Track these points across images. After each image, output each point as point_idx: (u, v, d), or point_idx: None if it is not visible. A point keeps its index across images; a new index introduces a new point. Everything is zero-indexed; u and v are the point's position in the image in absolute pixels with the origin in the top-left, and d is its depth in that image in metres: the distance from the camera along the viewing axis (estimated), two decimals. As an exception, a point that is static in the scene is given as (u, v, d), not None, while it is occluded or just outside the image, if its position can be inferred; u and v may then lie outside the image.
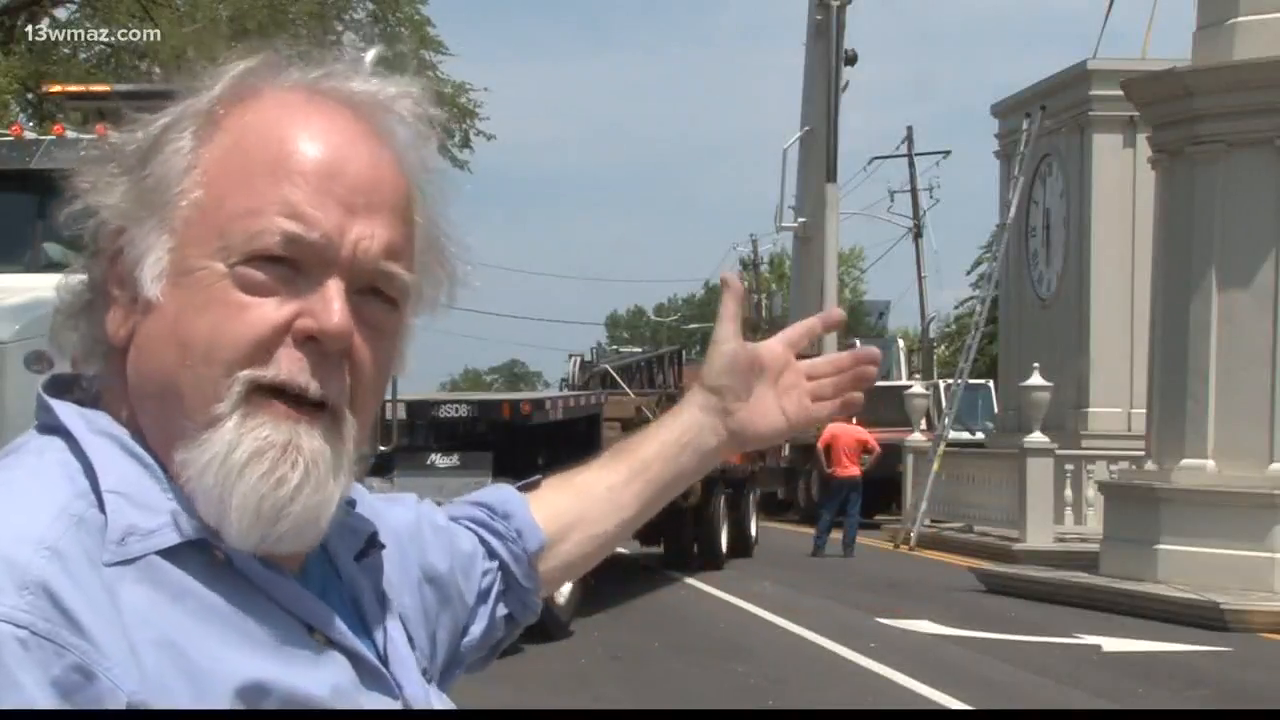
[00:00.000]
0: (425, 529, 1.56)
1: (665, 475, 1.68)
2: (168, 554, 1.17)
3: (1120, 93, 18.20)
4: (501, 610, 1.62)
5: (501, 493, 1.68)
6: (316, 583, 1.29)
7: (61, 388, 1.27)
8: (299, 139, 1.22)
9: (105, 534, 1.15)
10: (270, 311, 1.20)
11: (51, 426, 1.23)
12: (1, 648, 1.07)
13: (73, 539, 1.13)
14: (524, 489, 1.69)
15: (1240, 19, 15.73)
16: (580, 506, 1.68)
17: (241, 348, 1.19)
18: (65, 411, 1.23)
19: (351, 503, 1.42)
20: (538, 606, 1.65)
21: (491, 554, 1.62)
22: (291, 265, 1.20)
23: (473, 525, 1.63)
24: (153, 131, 1.25)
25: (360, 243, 1.22)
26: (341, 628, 1.26)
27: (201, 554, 1.19)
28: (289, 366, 1.20)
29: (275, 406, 1.20)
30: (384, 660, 1.31)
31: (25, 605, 1.08)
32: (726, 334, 1.66)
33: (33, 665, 1.07)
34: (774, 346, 1.69)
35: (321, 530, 1.23)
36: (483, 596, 1.60)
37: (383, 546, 1.41)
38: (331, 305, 1.20)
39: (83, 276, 1.27)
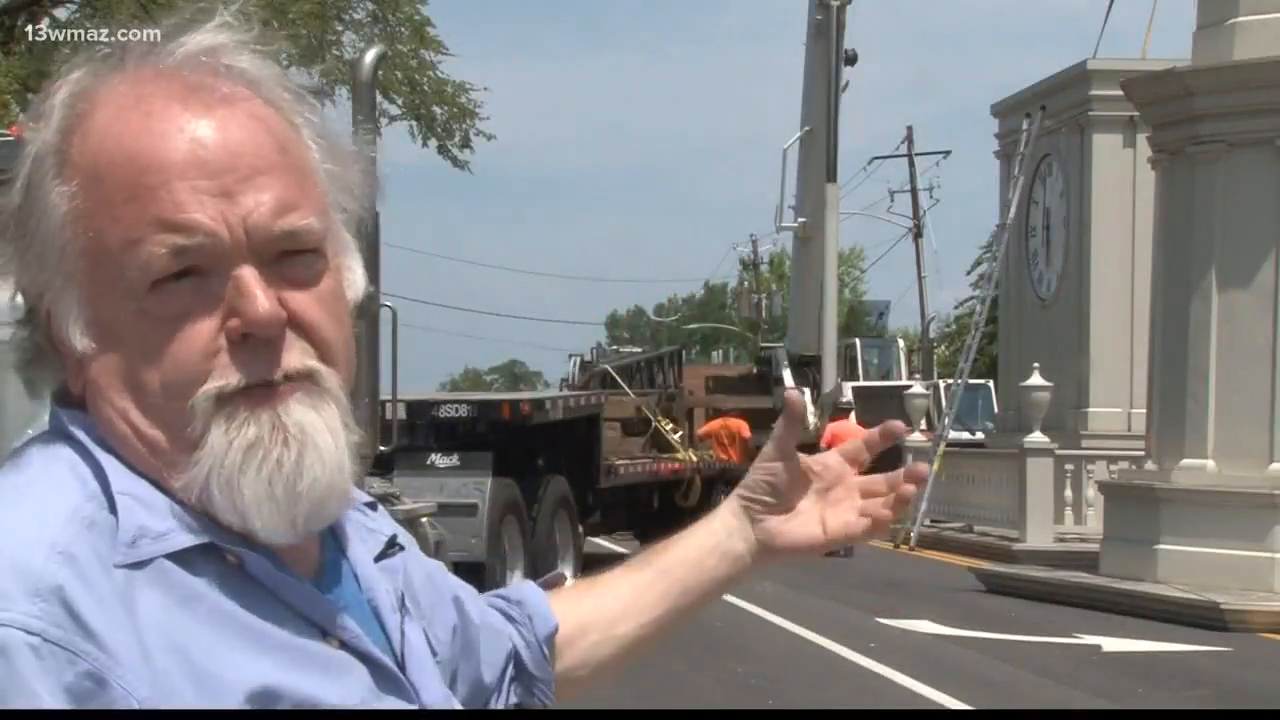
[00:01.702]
0: (453, 580, 1.55)
1: (690, 579, 1.65)
2: (179, 559, 1.16)
3: (1120, 93, 18.20)
4: (512, 698, 1.59)
5: (520, 585, 1.66)
6: (333, 586, 1.28)
7: (68, 396, 1.26)
8: (145, 150, 1.18)
9: (116, 536, 1.14)
10: (198, 326, 1.18)
11: (59, 432, 1.23)
12: (15, 655, 1.07)
13: (85, 542, 1.13)
14: (546, 585, 1.67)
15: (1240, 19, 15.73)
16: (599, 603, 1.65)
17: (189, 372, 1.18)
18: (72, 418, 1.23)
19: (372, 504, 1.41)
20: (548, 701, 1.61)
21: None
22: (196, 272, 1.18)
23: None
24: (16, 194, 1.23)
25: (249, 219, 1.18)
26: (356, 631, 1.24)
27: (213, 558, 1.18)
28: (240, 368, 1.18)
29: (247, 396, 1.18)
30: (401, 665, 1.29)
31: (38, 612, 1.08)
32: (771, 454, 1.63)
33: (45, 673, 1.07)
34: (830, 460, 1.65)
35: (344, 491, 1.23)
36: (499, 678, 1.58)
37: (402, 548, 1.40)
38: (251, 296, 1.17)
39: (25, 334, 1.25)
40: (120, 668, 1.09)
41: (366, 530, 1.37)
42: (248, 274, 1.18)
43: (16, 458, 1.22)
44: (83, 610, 1.09)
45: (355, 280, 1.29)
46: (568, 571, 13.65)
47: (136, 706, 1.09)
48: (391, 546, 1.38)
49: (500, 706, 1.57)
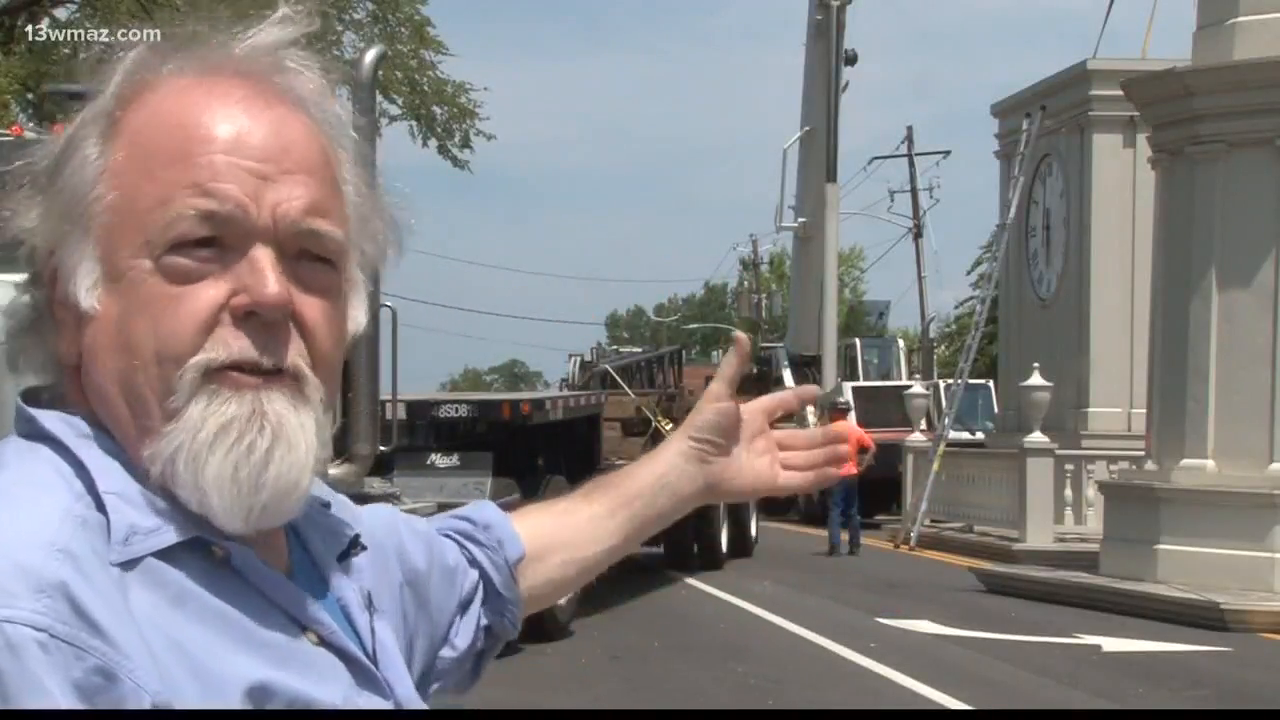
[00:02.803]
0: (402, 530, 1.56)
1: (645, 512, 1.71)
2: (166, 556, 1.17)
3: (1120, 93, 18.21)
4: (482, 620, 1.62)
5: (482, 507, 1.70)
6: (304, 582, 1.29)
7: (36, 396, 1.26)
8: (196, 122, 1.21)
9: (109, 535, 1.15)
10: (205, 294, 1.19)
11: (35, 433, 1.23)
12: (23, 652, 1.06)
13: (81, 540, 1.13)
14: (506, 507, 1.70)
15: (1240, 19, 15.73)
16: (561, 530, 1.70)
17: (185, 338, 1.18)
18: (48, 418, 1.23)
19: (326, 505, 1.41)
20: (517, 620, 1.65)
21: (472, 562, 1.63)
22: (216, 244, 1.19)
23: (454, 535, 1.64)
24: (57, 147, 1.24)
25: (279, 207, 1.20)
26: (334, 628, 1.26)
27: (200, 553, 1.19)
28: (236, 344, 1.19)
29: (234, 378, 1.19)
30: (374, 661, 1.30)
31: (43, 608, 1.08)
32: (720, 392, 1.70)
33: (54, 669, 1.07)
34: (752, 411, 1.72)
35: (303, 493, 1.23)
36: (464, 604, 1.60)
37: (364, 548, 1.40)
38: (263, 275, 1.19)
39: (26, 299, 1.26)
40: (129, 662, 1.10)
41: (328, 531, 1.37)
42: (264, 255, 1.20)
43: None
44: (88, 606, 1.10)
45: (357, 317, 1.30)
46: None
47: (148, 700, 1.09)
48: (354, 546, 1.39)
49: (463, 635, 1.59)
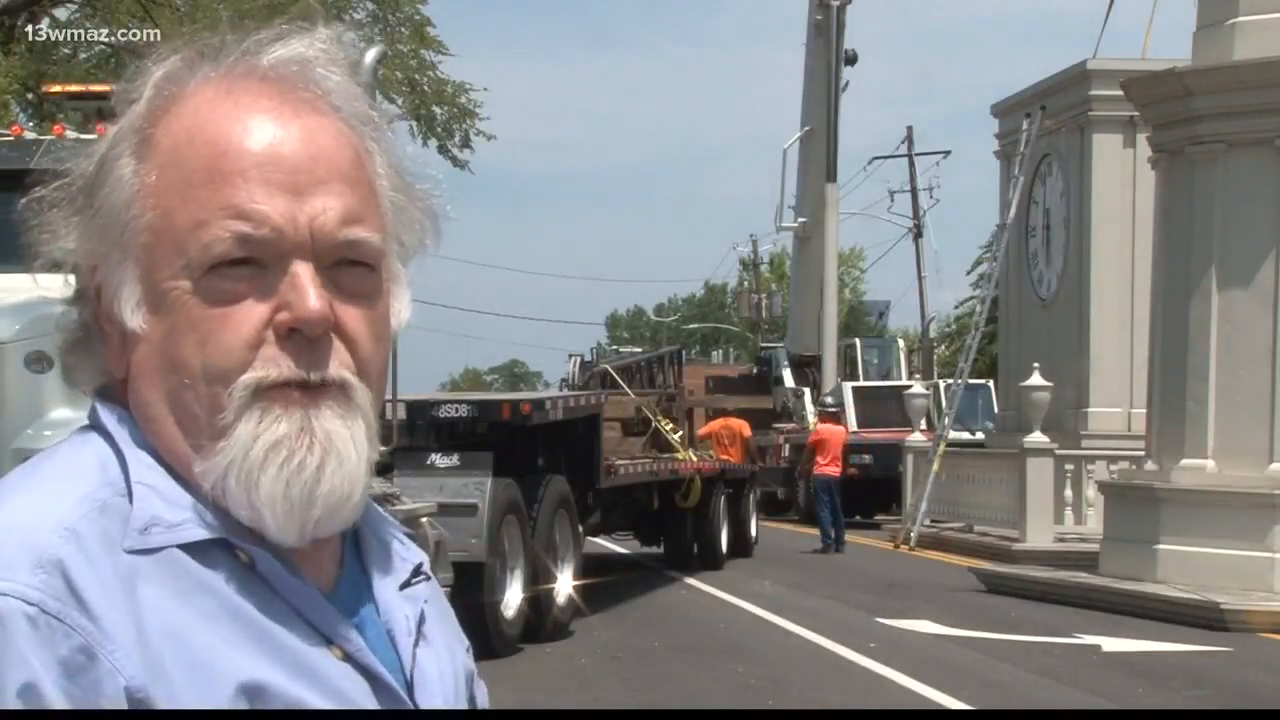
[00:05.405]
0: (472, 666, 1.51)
1: None
2: (192, 551, 1.18)
3: (1120, 93, 18.21)
4: None
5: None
6: (348, 601, 1.28)
7: (109, 391, 1.28)
8: (227, 137, 1.21)
9: (129, 521, 1.17)
10: (248, 314, 1.20)
11: (94, 424, 1.26)
12: (11, 623, 1.10)
13: (93, 523, 1.15)
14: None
15: (1240, 19, 15.74)
16: None
17: (231, 358, 1.19)
18: (105, 411, 1.26)
19: (410, 534, 1.42)
20: None
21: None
22: (255, 262, 1.20)
23: None
24: (91, 166, 1.25)
25: (315, 221, 1.21)
26: (360, 645, 1.25)
27: (225, 555, 1.20)
28: (282, 362, 1.20)
29: (284, 394, 1.20)
30: (409, 687, 1.29)
31: (38, 584, 1.11)
32: None
33: (40, 643, 1.10)
34: None
35: (356, 506, 1.24)
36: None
37: (428, 577, 1.39)
38: (304, 292, 1.20)
39: (75, 314, 1.28)
40: (111, 644, 1.12)
41: (399, 558, 1.37)
42: (304, 270, 1.21)
43: (52, 447, 1.26)
44: (81, 586, 1.12)
45: (400, 310, 1.31)
46: (567, 571, 13.63)
47: (123, 684, 1.12)
48: (417, 574, 1.38)
49: None
